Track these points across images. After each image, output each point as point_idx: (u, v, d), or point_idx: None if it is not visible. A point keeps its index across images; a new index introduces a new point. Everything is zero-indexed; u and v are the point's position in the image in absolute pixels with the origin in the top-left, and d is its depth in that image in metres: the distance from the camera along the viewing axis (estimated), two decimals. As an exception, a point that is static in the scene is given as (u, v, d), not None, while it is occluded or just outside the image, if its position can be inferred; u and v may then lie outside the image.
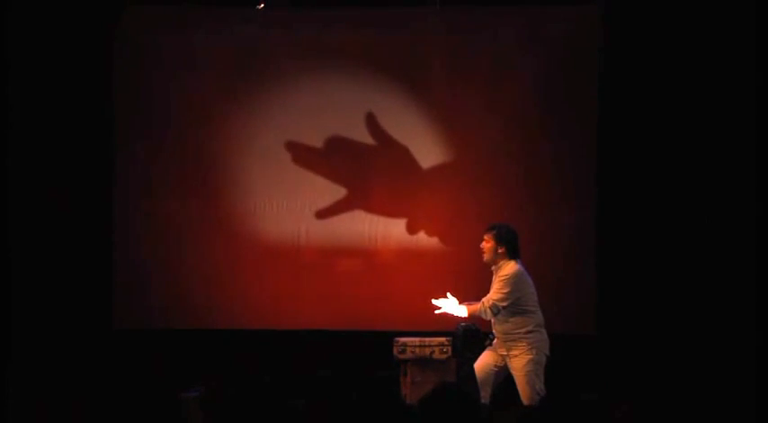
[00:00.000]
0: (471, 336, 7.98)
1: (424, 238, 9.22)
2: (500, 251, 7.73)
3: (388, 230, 9.22)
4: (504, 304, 7.65)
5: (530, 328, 7.68)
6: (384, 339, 8.47)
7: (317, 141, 9.27)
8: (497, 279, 7.73)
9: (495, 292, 7.69)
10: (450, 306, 7.90)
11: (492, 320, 7.81)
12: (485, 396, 7.75)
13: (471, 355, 7.98)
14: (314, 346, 9.12)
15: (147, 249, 9.29)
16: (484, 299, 7.74)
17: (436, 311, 7.91)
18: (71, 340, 9.06)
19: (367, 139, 9.25)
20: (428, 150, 9.22)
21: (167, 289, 9.25)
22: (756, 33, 8.72)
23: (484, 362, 7.82)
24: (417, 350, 8.25)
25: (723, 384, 8.49)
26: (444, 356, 8.19)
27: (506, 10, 9.23)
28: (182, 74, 9.28)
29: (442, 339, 8.21)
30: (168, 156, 9.30)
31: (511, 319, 7.69)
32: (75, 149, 9.21)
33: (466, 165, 9.19)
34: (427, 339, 8.26)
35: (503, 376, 7.82)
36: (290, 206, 9.26)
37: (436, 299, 7.94)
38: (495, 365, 7.78)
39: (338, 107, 9.24)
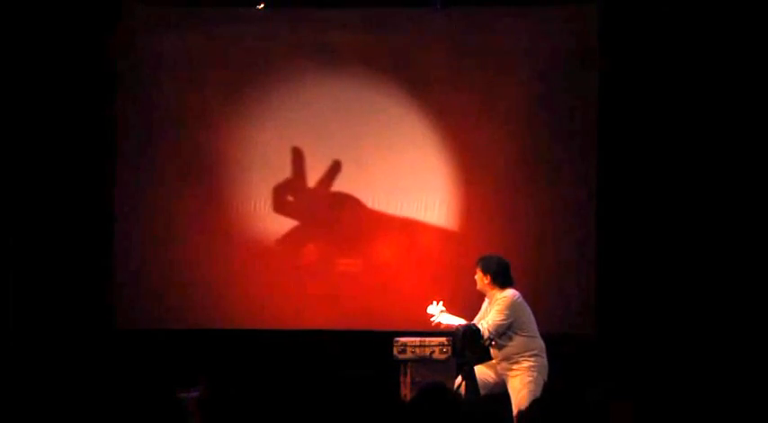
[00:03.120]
0: (471, 336, 7.98)
1: (423, 238, 9.22)
2: (486, 281, 7.77)
3: (388, 230, 9.22)
4: (500, 329, 7.64)
5: (532, 351, 7.67)
6: (384, 339, 8.47)
7: (316, 141, 9.27)
8: (492, 306, 7.74)
9: (490, 318, 7.68)
10: (445, 318, 7.91)
11: (492, 349, 7.77)
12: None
13: (471, 355, 7.98)
14: (314, 346, 9.12)
15: (147, 249, 9.28)
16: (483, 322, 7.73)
17: (432, 320, 7.89)
18: (71, 341, 9.05)
19: (367, 138, 9.24)
20: (428, 150, 9.22)
21: (167, 289, 9.25)
22: (756, 31, 8.73)
23: (483, 370, 7.79)
24: (417, 350, 8.25)
25: (723, 383, 8.49)
26: (444, 356, 8.19)
27: (506, 10, 9.22)
28: (182, 74, 9.28)
29: (442, 339, 8.21)
30: (168, 156, 9.30)
31: (511, 343, 7.68)
32: (76, 149, 9.21)
33: (466, 165, 9.19)
34: (427, 339, 8.26)
35: (497, 390, 7.78)
36: (290, 206, 9.27)
37: (431, 307, 7.94)
38: (493, 378, 7.76)
39: (338, 107, 9.24)
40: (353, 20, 9.28)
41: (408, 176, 9.23)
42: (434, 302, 7.92)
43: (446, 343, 8.17)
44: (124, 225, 9.29)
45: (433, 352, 8.23)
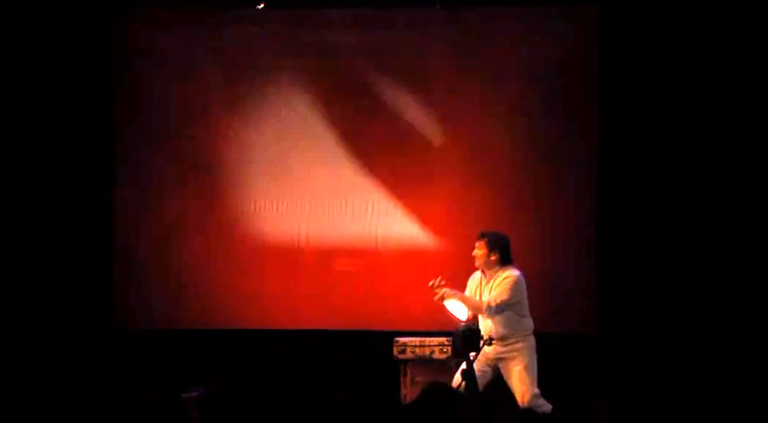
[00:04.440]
0: (471, 336, 7.97)
1: (423, 238, 9.21)
2: (492, 258, 7.58)
3: (388, 230, 9.22)
4: (503, 307, 7.54)
5: (526, 332, 7.62)
6: (384, 339, 8.48)
7: (316, 141, 9.27)
8: (498, 284, 7.63)
9: (497, 295, 7.55)
10: (453, 306, 7.73)
11: (490, 325, 7.66)
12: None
13: (471, 355, 7.96)
14: (314, 346, 9.12)
15: (147, 249, 9.28)
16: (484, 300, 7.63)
17: (436, 298, 7.54)
18: (71, 340, 9.06)
19: (367, 138, 9.25)
20: (428, 150, 9.21)
21: (167, 289, 9.25)
22: (755, 31, 8.75)
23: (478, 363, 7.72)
24: (417, 350, 8.26)
25: (722, 383, 8.50)
26: (444, 356, 8.20)
27: (507, 10, 9.22)
28: (182, 74, 9.28)
29: (442, 339, 8.21)
30: (168, 156, 9.30)
31: (508, 324, 7.58)
32: (76, 149, 9.21)
33: (466, 164, 9.18)
34: (427, 339, 8.27)
35: (492, 377, 7.71)
36: (290, 206, 9.26)
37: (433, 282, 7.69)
38: (488, 365, 7.68)
39: (338, 107, 9.24)
40: (353, 20, 9.28)
41: (408, 177, 9.22)
42: (436, 280, 7.63)
43: (446, 343, 8.18)
44: (124, 225, 9.29)
45: (432, 352, 8.24)
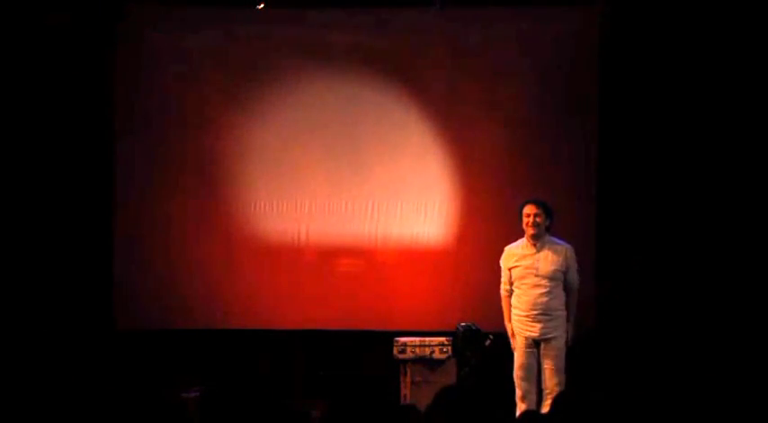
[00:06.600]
0: (471, 336, 7.99)
1: (424, 238, 9.21)
2: (547, 223, 7.77)
3: (388, 230, 9.22)
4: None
5: (564, 306, 7.68)
6: (384, 339, 8.48)
7: (317, 141, 9.28)
8: (565, 256, 7.72)
9: (576, 273, 7.76)
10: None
11: (538, 297, 7.67)
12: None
13: (471, 355, 7.98)
14: (314, 346, 9.13)
15: (147, 249, 9.29)
16: (573, 284, 7.76)
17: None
18: (72, 341, 9.06)
19: (367, 139, 9.25)
20: (428, 150, 9.22)
21: (167, 289, 9.25)
22: (755, 30, 8.76)
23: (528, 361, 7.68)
24: (417, 350, 8.27)
25: (721, 379, 8.50)
26: (444, 356, 8.21)
27: (506, 10, 9.22)
28: (182, 74, 9.28)
29: (442, 339, 8.23)
30: (168, 156, 9.30)
31: (559, 294, 7.68)
32: (76, 149, 9.22)
33: (466, 165, 9.19)
34: (427, 339, 8.27)
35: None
36: (289, 206, 9.27)
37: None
38: (533, 356, 7.63)
39: (338, 107, 9.25)
40: (353, 20, 9.28)
41: (408, 176, 9.23)
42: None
43: (446, 343, 8.19)
44: (124, 225, 9.29)
45: (432, 352, 8.25)
